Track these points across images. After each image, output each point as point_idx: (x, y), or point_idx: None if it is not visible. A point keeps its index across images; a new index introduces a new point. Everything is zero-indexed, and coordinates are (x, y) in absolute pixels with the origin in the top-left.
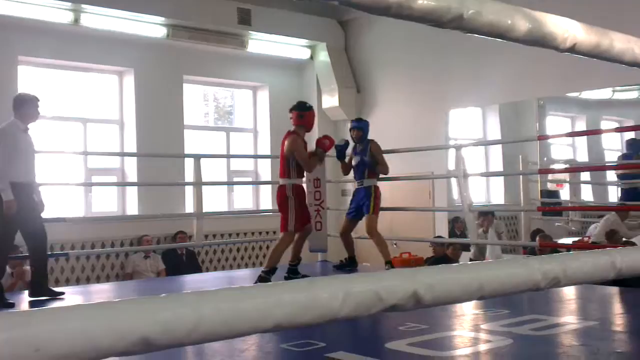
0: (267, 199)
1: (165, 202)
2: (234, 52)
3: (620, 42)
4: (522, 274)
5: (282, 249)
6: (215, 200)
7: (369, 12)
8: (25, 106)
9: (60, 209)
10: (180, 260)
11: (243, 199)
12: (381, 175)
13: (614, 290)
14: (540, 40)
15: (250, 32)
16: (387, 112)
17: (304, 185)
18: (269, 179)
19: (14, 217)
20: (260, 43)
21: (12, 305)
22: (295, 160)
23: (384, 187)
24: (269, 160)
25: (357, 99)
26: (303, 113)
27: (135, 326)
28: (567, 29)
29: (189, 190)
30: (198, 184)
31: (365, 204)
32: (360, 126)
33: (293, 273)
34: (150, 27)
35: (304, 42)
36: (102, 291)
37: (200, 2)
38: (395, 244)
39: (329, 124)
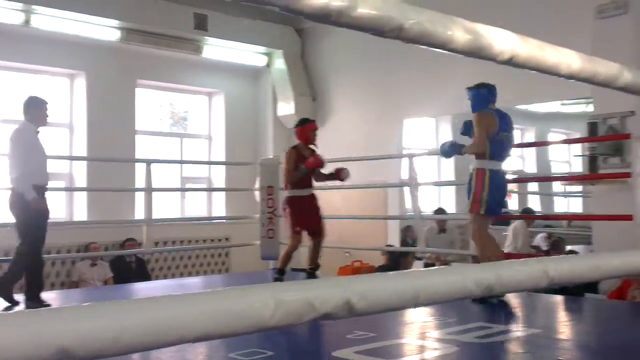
0: (220, 206)
1: (115, 208)
2: (189, 58)
3: (556, 55)
4: (457, 282)
5: (287, 251)
6: (167, 207)
7: (310, 19)
8: (38, 109)
9: (5, 214)
10: (129, 268)
11: (196, 205)
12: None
13: (558, 298)
14: (478, 52)
15: (206, 37)
16: (343, 120)
17: (304, 194)
18: (222, 185)
19: (39, 215)
20: (217, 49)
21: (47, 305)
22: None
23: (337, 196)
24: (222, 167)
25: (313, 107)
26: (297, 129)
27: (52, 337)
28: (505, 41)
29: (139, 197)
30: (148, 190)
31: None
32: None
33: (310, 277)
34: (104, 30)
35: (261, 49)
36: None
37: (156, 6)
38: (348, 253)
39: (284, 131)
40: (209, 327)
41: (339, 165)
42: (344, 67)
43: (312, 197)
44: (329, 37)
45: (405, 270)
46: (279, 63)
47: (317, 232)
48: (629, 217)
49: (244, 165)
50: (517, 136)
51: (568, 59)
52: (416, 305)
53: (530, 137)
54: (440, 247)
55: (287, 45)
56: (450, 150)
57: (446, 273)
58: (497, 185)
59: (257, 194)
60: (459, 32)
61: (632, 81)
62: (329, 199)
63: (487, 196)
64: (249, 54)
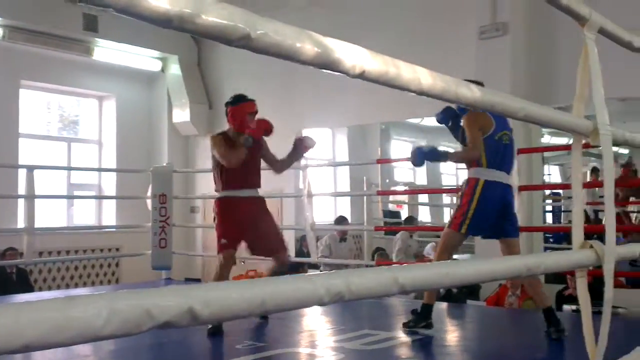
0: (110, 215)
1: None
2: (79, 59)
3: (407, 72)
4: (306, 289)
5: (217, 276)
6: (53, 215)
7: (151, 23)
8: None
9: None
10: (9, 279)
11: (85, 214)
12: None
13: (443, 305)
14: (329, 65)
15: (96, 39)
16: None
17: (242, 195)
18: (113, 193)
19: None
20: (108, 51)
21: None
22: (220, 166)
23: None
24: (114, 173)
25: (209, 114)
26: (228, 109)
27: None
28: (355, 56)
29: (22, 204)
30: (30, 197)
31: None
32: None
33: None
34: None
35: (155, 53)
36: None
37: (41, 4)
38: (243, 262)
39: (179, 139)
40: (32, 337)
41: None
42: (241, 75)
43: (255, 201)
44: (226, 46)
45: (257, 279)
46: (174, 69)
47: (269, 251)
48: None
49: (136, 172)
50: (408, 149)
51: (419, 76)
52: (264, 312)
53: None
54: (341, 255)
55: (183, 50)
56: (429, 155)
57: (295, 280)
58: (491, 200)
59: (149, 202)
60: (309, 45)
61: (466, 96)
62: None
63: (473, 212)
64: (143, 58)
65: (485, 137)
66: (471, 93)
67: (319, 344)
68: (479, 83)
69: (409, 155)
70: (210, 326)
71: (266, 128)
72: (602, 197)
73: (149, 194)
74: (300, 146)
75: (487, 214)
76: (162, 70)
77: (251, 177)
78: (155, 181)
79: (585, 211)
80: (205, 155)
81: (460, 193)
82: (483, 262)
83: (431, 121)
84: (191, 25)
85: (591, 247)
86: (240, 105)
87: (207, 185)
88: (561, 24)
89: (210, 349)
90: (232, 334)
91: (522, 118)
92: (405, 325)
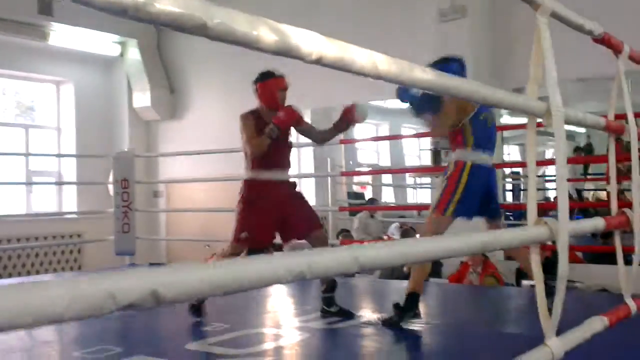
0: (71, 201)
1: None
2: (34, 44)
3: (362, 57)
4: (267, 269)
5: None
6: (11, 202)
7: (106, 12)
8: None
9: None
10: None
11: (44, 200)
12: (195, 174)
13: (405, 283)
14: (287, 52)
15: (52, 23)
16: (202, 113)
17: (264, 179)
18: (73, 179)
19: None
20: (64, 36)
21: None
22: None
23: (198, 188)
24: (73, 159)
25: (171, 99)
26: (257, 85)
27: None
28: (312, 42)
29: None
30: None
31: None
32: None
33: (327, 304)
34: None
35: (114, 37)
36: None
37: None
38: (208, 245)
39: (140, 124)
40: None
41: (201, 158)
42: (203, 59)
43: (285, 187)
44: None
45: (216, 261)
46: (134, 53)
47: (301, 233)
48: None
49: (97, 158)
50: (371, 130)
51: (375, 60)
52: (225, 293)
53: (384, 131)
54: (374, 231)
55: (142, 34)
56: (411, 97)
57: (256, 262)
58: (477, 183)
59: (110, 187)
60: (266, 32)
61: (422, 79)
62: (189, 191)
63: (460, 196)
64: (101, 43)
65: (470, 117)
66: (425, 76)
67: (285, 324)
68: (459, 60)
69: (396, 90)
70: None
71: (295, 118)
72: (583, 174)
73: (110, 179)
74: (349, 117)
75: (474, 197)
76: (121, 54)
77: (282, 158)
78: (117, 166)
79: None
80: (167, 139)
81: (445, 176)
82: (440, 240)
83: (394, 103)
84: (145, 14)
85: (545, 223)
86: (270, 81)
87: (169, 169)
88: (518, 6)
89: (177, 331)
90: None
91: (478, 100)
92: (386, 322)
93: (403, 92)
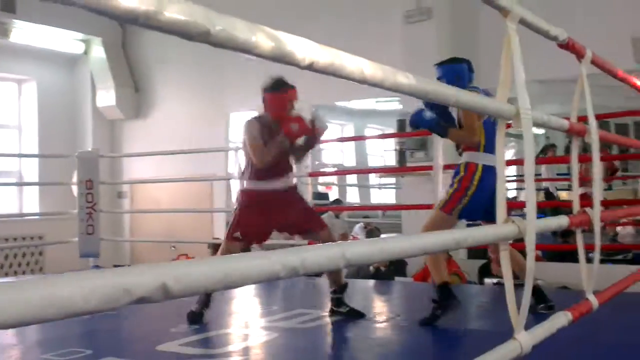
0: (33, 202)
1: None
2: None
3: (351, 63)
4: (264, 265)
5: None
6: None
7: (118, 20)
8: None
9: None
10: None
11: (5, 201)
12: (161, 174)
13: (371, 283)
14: (282, 58)
15: (14, 20)
16: (167, 113)
17: (269, 188)
18: (35, 179)
19: None
20: (27, 33)
21: None
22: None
23: (163, 189)
24: (35, 160)
25: (136, 98)
26: (266, 95)
27: None
28: (305, 49)
29: None
30: None
31: None
32: None
33: (337, 305)
34: None
35: (78, 35)
36: None
37: None
38: (174, 247)
39: (104, 123)
40: (21, 314)
41: (166, 158)
42: (168, 58)
43: (284, 195)
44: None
45: (220, 256)
46: (98, 51)
47: (304, 232)
48: (431, 207)
49: (60, 158)
50: (337, 131)
51: (361, 66)
52: (226, 287)
53: (349, 131)
54: (338, 231)
55: (107, 33)
56: (428, 122)
57: (254, 257)
58: (487, 185)
59: (74, 188)
60: (264, 39)
61: (404, 84)
62: (154, 191)
63: (470, 198)
64: (64, 40)
65: (484, 120)
66: (408, 81)
67: (253, 325)
68: (467, 61)
69: (412, 114)
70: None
71: (306, 131)
72: (559, 174)
73: (74, 179)
74: (314, 134)
75: (484, 200)
76: (85, 52)
77: (282, 166)
78: (81, 167)
79: (547, 188)
80: (131, 139)
81: (458, 177)
82: (417, 237)
83: (359, 104)
84: (155, 22)
85: (513, 222)
86: (281, 92)
87: (134, 170)
88: (482, 9)
89: (146, 333)
90: (167, 318)
91: (454, 104)
92: (425, 321)
93: (419, 120)
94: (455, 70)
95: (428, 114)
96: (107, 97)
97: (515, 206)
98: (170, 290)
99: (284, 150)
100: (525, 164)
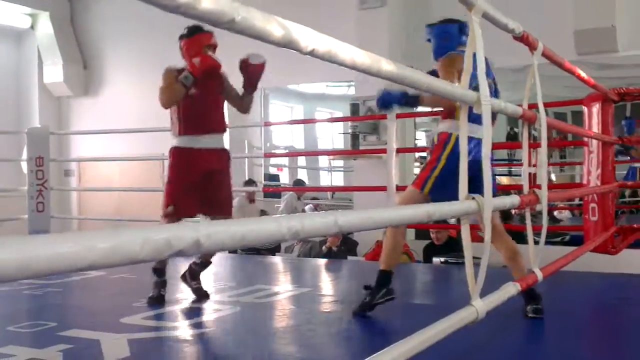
0: None
1: None
2: None
3: (344, 51)
4: (273, 227)
5: None
6: None
7: (162, 9)
8: None
9: None
10: None
11: None
12: (110, 152)
13: (324, 261)
14: (290, 44)
15: None
16: (117, 90)
17: (199, 146)
18: None
19: None
20: None
21: None
22: (176, 107)
23: (112, 168)
24: None
25: (84, 75)
26: (182, 42)
27: None
28: (308, 37)
29: None
30: None
31: None
32: None
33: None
34: None
35: (24, 9)
36: None
37: None
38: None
39: (51, 100)
40: (96, 260)
41: (116, 136)
42: (118, 35)
43: (216, 156)
44: (102, 3)
45: (239, 219)
46: (45, 26)
47: (213, 211)
48: (383, 188)
49: (8, 134)
50: (287, 113)
51: (352, 54)
52: (243, 245)
53: (299, 114)
54: (251, 215)
55: (54, 7)
56: (399, 98)
57: (264, 221)
58: (459, 158)
59: (24, 164)
60: (277, 27)
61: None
62: (103, 170)
63: (439, 171)
64: (10, 14)
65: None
66: (390, 68)
67: (215, 299)
68: (459, 22)
69: (376, 98)
70: (151, 295)
71: (212, 65)
72: (497, 160)
73: (24, 156)
74: (248, 70)
75: (455, 174)
76: (32, 26)
77: (213, 121)
78: (31, 143)
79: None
80: (80, 117)
81: (429, 149)
82: (398, 209)
83: (308, 87)
84: (193, 11)
85: (473, 198)
86: (195, 36)
87: (82, 148)
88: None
89: (109, 307)
90: (129, 293)
91: (425, 89)
92: (358, 310)
93: (389, 98)
94: (445, 31)
95: (395, 93)
96: (54, 73)
97: None
98: (202, 245)
99: (190, 85)
100: (484, 147)
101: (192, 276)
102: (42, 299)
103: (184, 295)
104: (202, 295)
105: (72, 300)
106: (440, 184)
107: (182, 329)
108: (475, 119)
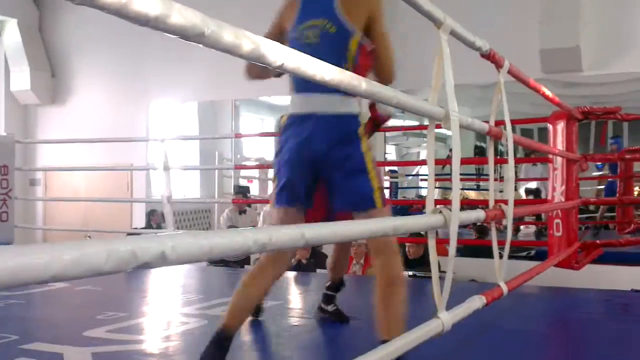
0: None
1: None
2: None
3: (312, 66)
4: (240, 239)
5: None
6: None
7: (133, 22)
8: None
9: None
10: None
11: None
12: (75, 164)
13: (291, 274)
14: (259, 59)
15: None
16: (85, 99)
17: None
18: None
19: None
20: None
21: None
22: None
23: (79, 178)
24: None
25: (52, 83)
26: None
27: None
28: (276, 52)
29: None
30: None
31: None
32: None
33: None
34: None
35: None
36: None
37: None
38: (89, 236)
39: (18, 108)
40: (59, 271)
41: (83, 146)
42: (87, 43)
43: None
44: (71, 11)
45: (206, 231)
46: (13, 33)
47: None
48: None
49: None
50: (257, 125)
51: (321, 70)
52: (210, 258)
53: (269, 126)
54: (243, 226)
55: (22, 14)
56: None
57: (232, 234)
58: (295, 145)
59: None
60: (246, 42)
61: (356, 85)
62: (69, 180)
63: (277, 165)
64: None
65: (290, 40)
66: (359, 84)
67: (182, 312)
68: None
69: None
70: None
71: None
72: (463, 174)
73: None
74: (373, 116)
75: (296, 169)
76: None
77: None
78: None
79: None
80: (46, 125)
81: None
82: (362, 222)
83: (280, 100)
84: (163, 25)
85: (440, 212)
86: None
87: (48, 157)
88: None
89: (72, 320)
90: (93, 305)
91: (395, 105)
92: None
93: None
94: None
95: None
96: (21, 80)
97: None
98: (167, 257)
99: None
100: (453, 161)
101: (327, 300)
102: (4, 311)
103: (149, 307)
104: (342, 320)
105: (35, 312)
106: (281, 190)
107: (148, 342)
108: (301, 86)
